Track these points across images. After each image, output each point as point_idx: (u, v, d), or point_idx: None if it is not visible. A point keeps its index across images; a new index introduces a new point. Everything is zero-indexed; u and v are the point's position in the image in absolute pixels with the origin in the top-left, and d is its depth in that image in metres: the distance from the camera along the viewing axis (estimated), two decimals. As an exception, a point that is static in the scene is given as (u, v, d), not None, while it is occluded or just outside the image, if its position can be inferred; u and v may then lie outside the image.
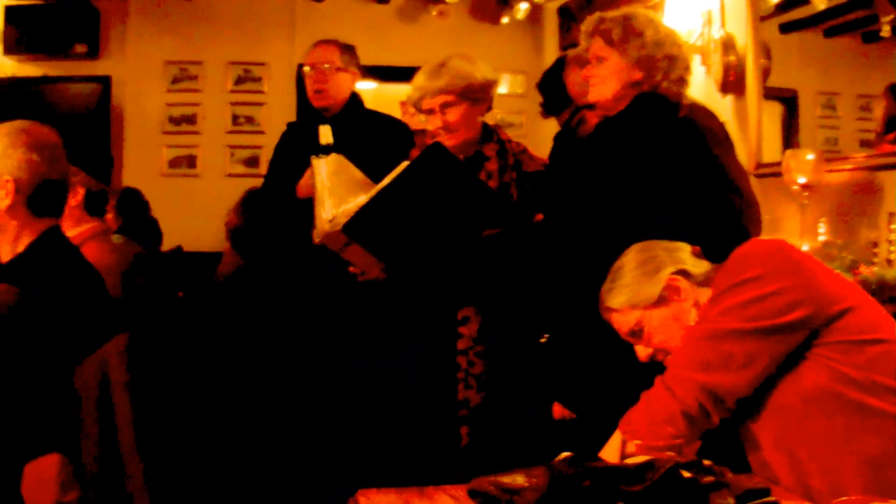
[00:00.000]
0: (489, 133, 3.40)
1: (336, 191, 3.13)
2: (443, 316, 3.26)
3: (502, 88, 3.38)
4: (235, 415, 4.40)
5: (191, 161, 7.73)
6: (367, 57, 4.65)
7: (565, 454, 1.66)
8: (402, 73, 5.97)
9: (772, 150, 4.62)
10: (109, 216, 5.03)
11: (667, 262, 2.34)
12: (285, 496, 4.24)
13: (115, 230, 5.22)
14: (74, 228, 3.76)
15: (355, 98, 4.36)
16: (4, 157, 2.62)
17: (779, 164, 4.03)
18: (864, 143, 4.34)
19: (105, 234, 4.05)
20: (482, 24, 8.02)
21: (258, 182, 5.14)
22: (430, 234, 3.01)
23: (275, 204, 4.31)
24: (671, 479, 1.56)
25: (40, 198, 2.66)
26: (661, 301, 2.31)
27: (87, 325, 2.60)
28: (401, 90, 7.06)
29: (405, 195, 2.96)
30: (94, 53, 7.49)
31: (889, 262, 3.53)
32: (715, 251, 2.36)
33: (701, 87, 4.71)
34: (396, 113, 5.43)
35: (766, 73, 4.70)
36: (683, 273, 2.33)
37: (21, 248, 2.65)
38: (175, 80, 7.71)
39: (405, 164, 3.00)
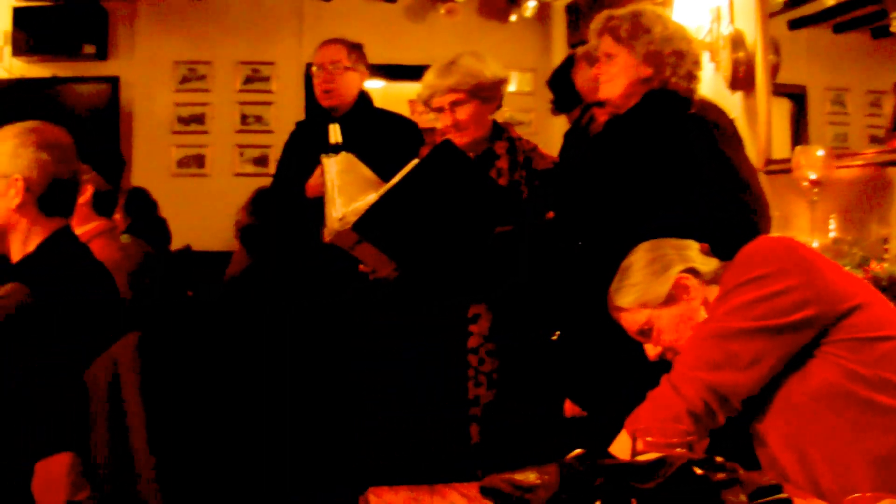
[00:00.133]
0: (499, 131, 3.40)
1: (346, 189, 3.13)
2: (453, 314, 3.26)
3: (510, 86, 3.38)
4: (247, 413, 4.41)
5: (200, 161, 7.74)
6: (376, 55, 4.65)
7: (577, 451, 1.65)
8: (410, 72, 5.98)
9: (781, 146, 4.60)
10: (118, 216, 5.04)
11: (675, 261, 2.33)
12: (301, 495, 4.24)
13: (124, 230, 5.23)
14: (82, 227, 3.76)
15: (364, 96, 4.36)
16: (14, 156, 2.62)
17: (788, 160, 4.02)
18: (874, 140, 4.32)
19: (112, 232, 4.05)
20: (490, 22, 8.01)
21: (267, 181, 5.15)
22: (440, 232, 3.01)
23: (284, 203, 4.31)
24: (684, 475, 1.55)
25: (50, 197, 2.67)
26: (670, 300, 2.31)
27: (97, 324, 2.60)
28: (409, 89, 7.10)
29: (415, 193, 2.96)
30: (102, 54, 7.51)
31: (899, 258, 3.52)
32: (724, 248, 2.35)
33: (710, 83, 4.70)
34: (405, 111, 5.44)
35: (775, 70, 4.68)
36: (692, 271, 2.32)
37: (31, 247, 2.65)
38: (184, 80, 7.72)
39: (415, 161, 3.00)
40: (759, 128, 4.64)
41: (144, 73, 7.64)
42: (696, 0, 5.24)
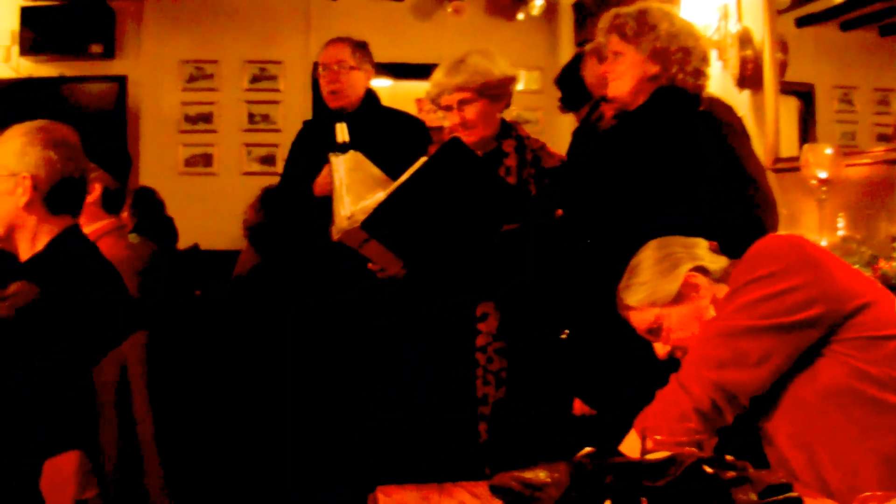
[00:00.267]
0: (507, 129, 3.39)
1: (354, 188, 3.14)
2: (461, 312, 3.26)
3: (518, 85, 3.38)
4: (255, 412, 4.41)
5: (207, 160, 7.74)
6: (382, 54, 4.65)
7: (587, 449, 1.65)
8: (417, 71, 5.99)
9: (789, 144, 4.60)
10: (125, 215, 5.03)
11: (684, 259, 2.33)
12: (310, 494, 4.24)
13: (131, 229, 5.23)
14: (90, 225, 3.76)
15: (371, 95, 4.36)
16: (23, 154, 2.63)
17: (796, 158, 4.02)
18: (882, 138, 4.31)
19: (121, 231, 4.05)
20: (497, 21, 8.01)
21: (274, 180, 5.15)
22: (448, 230, 3.01)
23: (292, 202, 4.31)
24: (694, 474, 1.55)
25: (58, 196, 2.67)
26: (679, 298, 2.30)
27: (105, 323, 2.60)
28: (416, 87, 7.09)
29: (423, 191, 2.96)
30: (109, 53, 7.51)
31: (909, 256, 3.51)
32: (732, 247, 2.35)
33: (718, 81, 4.69)
34: (412, 110, 5.44)
35: (782, 68, 4.68)
36: (701, 269, 2.32)
37: (40, 246, 2.66)
38: (191, 79, 7.72)
39: (423, 159, 3.00)
40: (767, 126, 4.63)
41: (151, 72, 7.64)
42: (703, -2, 5.24)
